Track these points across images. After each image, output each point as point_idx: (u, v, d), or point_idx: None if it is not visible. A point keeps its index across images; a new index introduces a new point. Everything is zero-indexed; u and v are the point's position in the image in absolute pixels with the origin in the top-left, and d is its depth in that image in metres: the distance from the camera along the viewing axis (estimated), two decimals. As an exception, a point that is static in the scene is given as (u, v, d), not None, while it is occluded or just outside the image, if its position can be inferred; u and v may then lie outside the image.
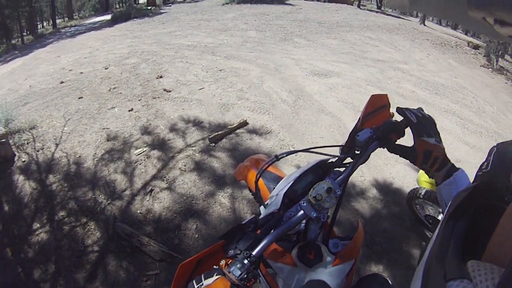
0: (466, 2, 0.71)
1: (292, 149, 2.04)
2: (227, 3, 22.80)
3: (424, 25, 22.91)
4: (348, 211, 4.57)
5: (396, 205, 4.79)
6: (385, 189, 5.06)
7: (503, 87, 13.34)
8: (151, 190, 4.83)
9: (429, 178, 3.61)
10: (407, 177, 5.33)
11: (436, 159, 1.59)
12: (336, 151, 1.80)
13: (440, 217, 3.90)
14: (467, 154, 6.48)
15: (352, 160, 1.70)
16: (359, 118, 1.77)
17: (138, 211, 4.58)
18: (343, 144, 1.79)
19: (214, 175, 4.94)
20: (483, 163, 2.96)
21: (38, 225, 4.83)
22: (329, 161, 1.80)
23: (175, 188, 4.80)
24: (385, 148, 1.76)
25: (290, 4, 21.07)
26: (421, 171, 3.96)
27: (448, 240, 0.84)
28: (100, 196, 4.95)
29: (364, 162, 1.71)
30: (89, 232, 4.50)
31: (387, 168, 5.47)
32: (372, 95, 1.81)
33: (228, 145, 5.49)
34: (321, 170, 1.80)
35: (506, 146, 2.96)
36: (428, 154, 1.59)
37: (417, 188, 3.94)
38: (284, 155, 1.83)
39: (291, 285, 1.62)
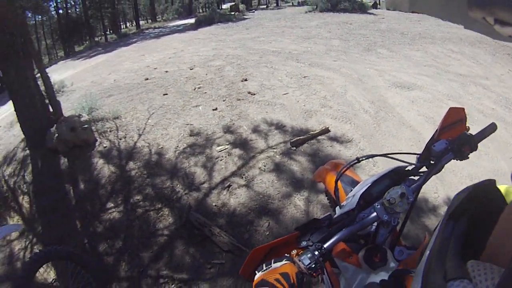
0: (466, 2, 0.72)
1: (371, 154, 2.00)
2: (310, 11, 22.80)
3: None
4: (417, 225, 4.44)
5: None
6: (458, 208, 4.83)
7: None
8: (229, 186, 4.91)
9: None
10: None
11: None
12: (413, 159, 1.84)
13: None
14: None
15: (426, 170, 1.73)
16: (437, 129, 1.78)
17: (214, 204, 4.67)
18: (420, 153, 1.81)
19: (292, 178, 4.93)
20: None
21: (112, 204, 5.12)
22: (406, 168, 1.81)
23: (253, 186, 4.84)
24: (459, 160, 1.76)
25: (372, 14, 20.78)
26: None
27: (448, 240, 0.84)
28: (178, 186, 5.11)
29: (437, 173, 1.74)
30: (162, 217, 4.68)
31: (461, 187, 5.18)
32: (450, 108, 1.82)
33: (308, 150, 5.47)
34: (397, 177, 1.80)
35: None
36: None
37: None
38: (365, 158, 1.94)
39: (352, 285, 1.65)
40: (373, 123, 6.23)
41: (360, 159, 1.95)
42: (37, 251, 3.83)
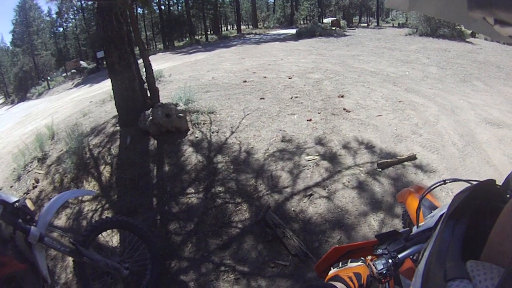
0: (466, 2, 0.72)
1: (458, 177, 1.97)
2: (409, 34, 22.27)
3: None
4: None
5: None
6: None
7: None
8: (311, 195, 4.95)
9: None
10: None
11: None
12: None
13: None
14: None
15: None
16: None
17: (292, 209, 4.73)
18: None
19: (372, 198, 4.87)
20: None
21: (192, 190, 5.35)
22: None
23: (333, 199, 4.84)
24: None
25: (470, 43, 19.99)
26: None
27: (448, 240, 0.84)
28: (261, 185, 5.24)
29: None
30: (239, 211, 4.83)
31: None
32: None
33: (393, 174, 5.38)
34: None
35: None
36: None
37: None
38: (451, 181, 1.90)
39: None
40: (459, 156, 6.02)
41: (447, 181, 1.91)
42: (104, 217, 4.13)
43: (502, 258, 0.74)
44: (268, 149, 6.03)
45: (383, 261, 1.35)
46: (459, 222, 0.87)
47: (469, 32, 22.94)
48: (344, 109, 7.64)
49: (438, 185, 1.94)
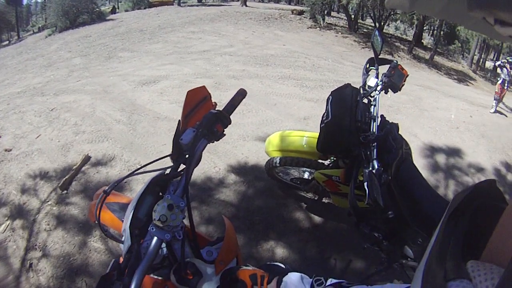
0: (466, 2, 0.71)
1: (119, 178, 1.84)
2: (50, 34, 21.35)
3: (246, 6, 23.52)
4: (216, 205, 4.53)
5: (260, 181, 4.87)
6: (243, 170, 5.12)
7: (334, 40, 14.33)
8: (31, 264, 4.30)
9: (277, 145, 3.78)
10: (260, 151, 5.44)
11: (263, 277, 1.55)
12: (169, 162, 1.67)
13: (306, 175, 4.09)
14: (313, 109, 6.87)
15: (185, 166, 1.57)
16: (179, 120, 1.63)
17: None
18: (171, 153, 1.66)
19: (78, 223, 4.59)
20: (323, 114, 3.05)
21: None
22: (165, 173, 1.64)
23: (50, 252, 4.33)
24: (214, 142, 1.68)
25: (111, 19, 20.54)
26: (266, 142, 3.99)
27: (448, 240, 0.80)
28: None
29: (197, 164, 1.60)
30: None
31: (237, 150, 5.54)
32: (188, 92, 1.67)
33: (79, 187, 5.11)
34: (158, 187, 1.61)
35: (340, 90, 3.07)
36: (254, 277, 1.55)
37: (270, 159, 4.00)
38: (113, 187, 1.61)
39: None
40: (128, 130, 6.12)
41: (108, 190, 1.59)
42: None
43: (503, 258, 0.70)
44: None
45: None
46: (459, 222, 0.81)
47: (109, 10, 23.31)
48: (5, 149, 6.60)
49: (104, 198, 1.62)
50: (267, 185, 4.79)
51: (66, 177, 5.22)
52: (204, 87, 1.79)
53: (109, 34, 16.39)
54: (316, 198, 4.48)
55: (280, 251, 3.98)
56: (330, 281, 1.37)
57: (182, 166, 1.64)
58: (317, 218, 4.34)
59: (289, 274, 1.47)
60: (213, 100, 1.84)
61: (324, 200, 4.44)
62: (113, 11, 25.11)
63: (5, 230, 4.85)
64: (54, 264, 4.22)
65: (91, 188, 5.06)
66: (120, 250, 4.15)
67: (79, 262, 4.15)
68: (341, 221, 4.27)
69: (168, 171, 1.66)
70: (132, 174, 1.67)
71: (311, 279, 1.40)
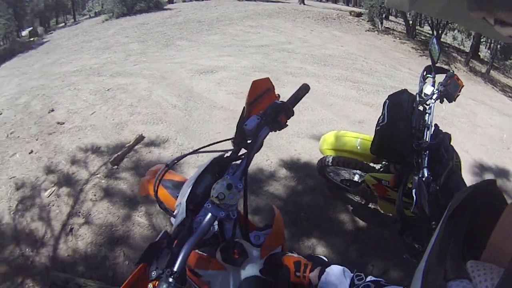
0: (466, 2, 0.70)
1: (182, 154, 1.94)
2: (107, 20, 22.00)
3: (304, 4, 23.48)
4: (264, 197, 4.55)
5: (310, 178, 4.86)
6: (295, 166, 5.12)
7: (392, 46, 14.09)
8: (71, 229, 4.50)
9: (332, 143, 3.77)
10: (313, 149, 5.42)
11: (307, 265, 1.61)
12: (229, 145, 1.75)
13: (356, 177, 4.07)
14: (368, 113, 6.78)
15: (246, 151, 1.65)
16: (244, 107, 1.71)
17: (66, 254, 4.24)
18: (233, 136, 1.74)
19: (125, 198, 4.74)
20: (379, 117, 3.07)
21: None
22: (225, 156, 1.72)
23: (92, 220, 4.52)
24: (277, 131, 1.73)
25: (168, 9, 20.82)
26: (321, 140, 3.99)
27: (448, 240, 0.83)
28: (27, 249, 4.48)
29: (258, 150, 1.67)
30: None
31: (291, 146, 5.54)
32: (253, 81, 1.76)
33: (130, 163, 5.30)
34: (218, 168, 1.70)
35: (398, 95, 3.10)
36: (298, 264, 1.61)
37: (323, 157, 4.00)
38: (176, 162, 1.76)
39: None
40: (184, 115, 6.25)
41: (170, 164, 1.77)
42: None
43: (503, 258, 0.73)
44: (10, 206, 5.14)
45: (164, 286, 1.15)
46: (459, 222, 0.85)
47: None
48: (58, 122, 7.07)
49: (164, 173, 1.78)
50: (316, 183, 4.78)
51: (118, 153, 5.41)
52: (268, 78, 1.85)
53: (167, 23, 16.59)
54: (363, 202, 4.44)
55: (321, 250, 3.99)
56: (369, 277, 1.40)
57: (242, 151, 1.70)
58: (361, 222, 4.33)
59: (332, 266, 1.50)
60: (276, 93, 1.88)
61: (370, 205, 4.41)
62: (171, 1, 25.40)
63: (50, 195, 5.11)
64: (95, 231, 4.39)
65: (142, 166, 5.22)
66: (163, 227, 4.32)
67: (121, 233, 4.29)
68: (384, 228, 4.25)
69: (228, 153, 1.73)
70: (194, 152, 1.79)
71: (352, 274, 1.44)
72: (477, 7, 0.69)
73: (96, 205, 4.74)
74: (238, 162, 1.63)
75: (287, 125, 1.78)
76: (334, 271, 1.46)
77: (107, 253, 4.10)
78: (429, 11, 1.13)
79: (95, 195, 4.87)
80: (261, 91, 1.78)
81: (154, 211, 4.45)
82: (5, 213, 5.07)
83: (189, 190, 1.56)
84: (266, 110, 1.69)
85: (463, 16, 0.93)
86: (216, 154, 1.71)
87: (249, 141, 1.67)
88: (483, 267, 0.73)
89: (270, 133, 1.71)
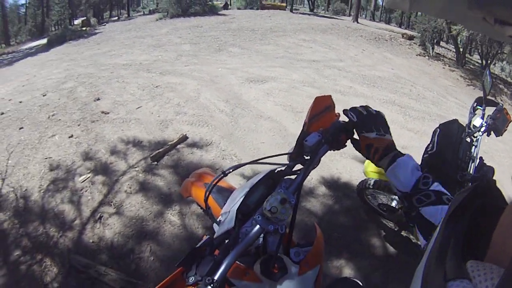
0: (466, 2, 0.70)
1: (238, 163, 1.90)
2: (161, 18, 22.34)
3: (357, 22, 23.53)
4: (300, 212, 4.46)
5: (347, 199, 4.80)
6: (334, 185, 5.05)
7: (441, 72, 13.90)
8: (100, 217, 4.54)
9: (376, 167, 3.73)
10: (354, 170, 5.37)
11: (377, 150, 1.61)
12: (284, 159, 1.72)
13: (394, 203, 3.97)
14: (412, 140, 6.67)
15: (302, 167, 1.62)
16: (305, 122, 1.68)
17: (91, 240, 4.25)
18: (290, 151, 1.71)
19: (160, 194, 4.75)
20: (428, 145, 3.03)
21: None
22: (278, 169, 1.70)
23: (124, 212, 4.55)
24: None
25: (223, 15, 21.22)
26: (366, 162, 3.98)
27: (448, 240, 0.81)
28: (51, 229, 4.56)
29: (315, 167, 1.65)
30: (46, 269, 4.10)
31: (332, 164, 5.47)
32: (316, 97, 1.73)
33: (170, 161, 5.33)
34: (271, 180, 1.69)
35: (448, 125, 3.06)
36: (369, 147, 1.62)
37: (365, 179, 3.96)
38: (232, 170, 1.67)
39: None
40: (230, 121, 6.25)
41: (227, 172, 1.68)
42: None
43: (503, 258, 0.70)
44: (41, 185, 5.27)
45: None
46: (459, 222, 0.83)
47: (222, 5, 24.00)
48: (103, 112, 7.27)
49: (219, 180, 1.73)
50: (353, 204, 4.71)
51: (160, 150, 5.46)
52: (330, 96, 1.80)
53: (220, 28, 16.81)
54: (396, 229, 4.37)
55: (347, 271, 3.91)
56: (435, 185, 1.52)
57: (296, 167, 1.69)
58: (391, 249, 4.25)
59: None
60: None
61: (403, 232, 4.31)
62: (226, 7, 25.82)
63: (84, 181, 5.20)
64: (124, 223, 4.42)
65: (182, 166, 5.23)
66: (195, 228, 4.28)
67: (151, 229, 4.29)
68: (412, 257, 4.11)
69: (283, 167, 1.71)
70: (251, 162, 1.71)
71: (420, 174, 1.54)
72: (477, 7, 0.70)
73: (130, 198, 4.76)
74: (292, 177, 1.61)
75: (346, 145, 1.75)
76: None
77: (134, 246, 4.10)
78: (429, 11, 1.14)
79: (130, 187, 4.90)
80: (323, 108, 1.75)
81: (187, 211, 4.43)
82: (34, 190, 5.20)
83: (241, 200, 1.54)
84: (329, 128, 1.67)
85: (463, 16, 0.92)
86: (272, 167, 1.69)
87: (306, 157, 1.65)
88: (483, 267, 0.70)
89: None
